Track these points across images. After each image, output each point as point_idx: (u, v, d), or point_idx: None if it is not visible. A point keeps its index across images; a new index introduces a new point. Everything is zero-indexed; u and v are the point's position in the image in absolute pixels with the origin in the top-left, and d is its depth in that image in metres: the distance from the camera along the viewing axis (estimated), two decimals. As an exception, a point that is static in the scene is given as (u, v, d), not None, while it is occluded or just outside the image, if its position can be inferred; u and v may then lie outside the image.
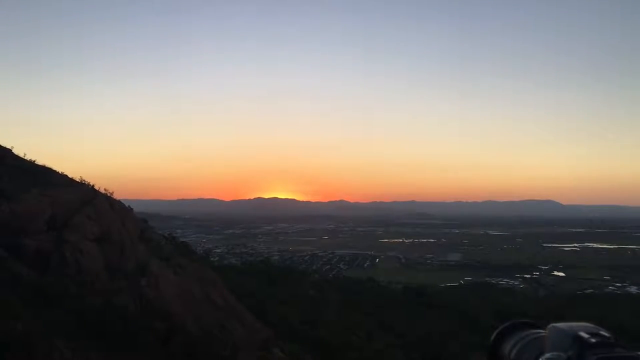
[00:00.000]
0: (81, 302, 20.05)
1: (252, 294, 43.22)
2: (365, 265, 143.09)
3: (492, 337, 0.97)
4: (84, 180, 25.26)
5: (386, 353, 29.07)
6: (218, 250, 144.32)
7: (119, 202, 29.52)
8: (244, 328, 31.97)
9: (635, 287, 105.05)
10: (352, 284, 74.89)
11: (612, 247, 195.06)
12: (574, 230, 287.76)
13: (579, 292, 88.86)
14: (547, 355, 0.75)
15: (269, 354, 22.34)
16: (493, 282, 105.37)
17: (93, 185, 26.07)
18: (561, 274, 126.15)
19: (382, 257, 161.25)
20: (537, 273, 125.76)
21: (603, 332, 0.76)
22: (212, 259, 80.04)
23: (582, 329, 0.78)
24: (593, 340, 0.73)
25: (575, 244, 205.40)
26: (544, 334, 0.86)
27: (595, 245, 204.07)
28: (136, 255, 25.90)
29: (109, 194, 27.27)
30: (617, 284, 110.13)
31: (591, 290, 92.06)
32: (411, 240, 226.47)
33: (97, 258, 21.68)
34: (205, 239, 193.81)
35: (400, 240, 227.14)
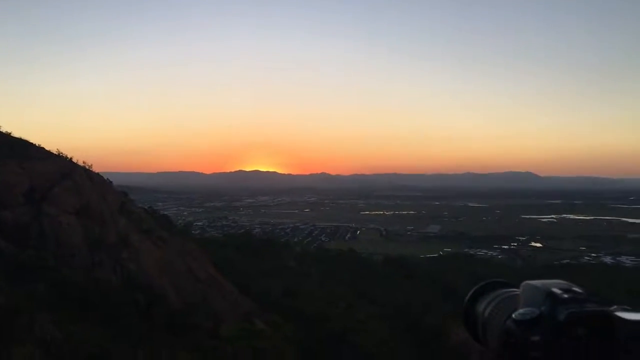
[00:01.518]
0: (62, 275, 19.97)
1: (234, 266, 43.40)
2: (347, 237, 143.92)
3: (467, 297, 0.97)
4: (62, 153, 24.89)
5: (367, 323, 29.53)
6: (199, 223, 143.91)
7: (98, 175, 29.23)
8: (226, 300, 32.20)
9: (610, 257, 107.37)
10: (333, 255, 75.44)
11: (588, 218, 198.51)
12: (551, 201, 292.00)
13: (555, 263, 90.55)
14: (520, 310, 0.77)
15: (251, 325, 22.59)
16: (472, 253, 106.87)
17: (71, 158, 25.73)
18: (538, 244, 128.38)
19: (363, 229, 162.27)
20: (515, 244, 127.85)
21: (575, 288, 0.79)
22: (193, 232, 79.95)
23: (555, 285, 0.80)
24: (565, 295, 0.76)
25: (553, 215, 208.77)
26: (517, 292, 0.87)
27: (571, 216, 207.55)
28: (116, 228, 25.80)
29: (87, 167, 26.97)
30: (593, 254, 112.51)
31: (567, 261, 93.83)
32: (392, 212, 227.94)
33: (77, 231, 21.56)
34: (186, 212, 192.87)
35: (381, 212, 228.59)
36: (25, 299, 13.54)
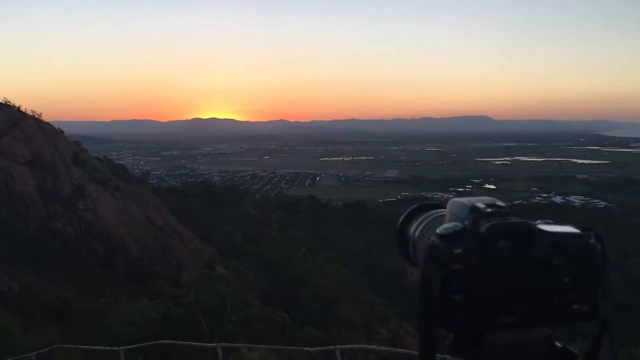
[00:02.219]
0: (16, 227, 19.59)
1: (194, 214, 43.30)
2: (306, 183, 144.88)
3: (399, 221, 0.98)
4: (9, 102, 23.95)
5: (326, 266, 30.16)
6: (157, 173, 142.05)
7: (48, 124, 28.38)
8: (187, 248, 32.31)
9: (560, 197, 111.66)
10: (293, 202, 76.01)
11: (540, 160, 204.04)
12: (505, 144, 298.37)
13: (507, 204, 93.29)
14: (445, 225, 0.78)
15: (212, 272, 22.79)
16: (428, 196, 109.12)
17: (19, 107, 24.85)
18: (492, 186, 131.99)
19: (323, 175, 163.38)
20: (470, 186, 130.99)
21: (500, 203, 0.81)
22: (150, 181, 78.93)
23: (480, 200, 0.82)
24: (489, 210, 0.78)
25: (506, 158, 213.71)
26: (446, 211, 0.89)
27: (524, 158, 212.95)
28: (71, 178, 25.30)
29: (37, 116, 26.13)
30: (544, 195, 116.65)
31: (519, 201, 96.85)
32: (350, 158, 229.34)
33: (29, 182, 21.08)
34: (142, 161, 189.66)
35: (340, 158, 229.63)
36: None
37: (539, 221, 0.80)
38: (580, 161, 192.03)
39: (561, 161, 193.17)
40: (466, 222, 0.77)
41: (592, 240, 0.77)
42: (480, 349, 0.76)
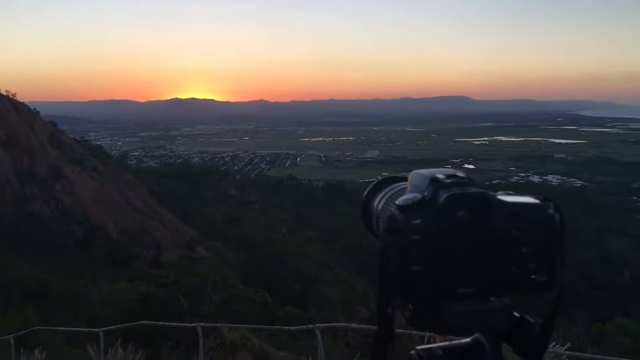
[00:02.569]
0: (-9, 210, 19.29)
1: (174, 196, 43.11)
2: (287, 164, 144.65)
3: (364, 194, 0.97)
4: (-19, 82, 23.44)
5: (307, 246, 30.34)
6: (135, 154, 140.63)
7: (23, 104, 27.90)
8: (167, 229, 32.17)
9: (537, 177, 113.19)
10: (273, 183, 75.94)
11: (518, 139, 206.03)
12: (484, 124, 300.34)
13: (486, 183, 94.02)
14: (404, 196, 0.77)
15: (193, 253, 22.80)
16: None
17: (-8, 87, 24.32)
18: (471, 166, 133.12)
19: (303, 156, 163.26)
20: (449, 166, 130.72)
21: (459, 174, 0.80)
22: (129, 162, 78.22)
23: (440, 172, 0.80)
24: (448, 180, 0.77)
25: (485, 138, 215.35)
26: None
27: (503, 138, 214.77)
28: (47, 159, 24.97)
29: (11, 96, 25.66)
30: (522, 174, 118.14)
31: (497, 181, 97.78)
32: (331, 138, 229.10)
33: (4, 163, 20.80)
34: (120, 142, 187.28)
35: (321, 139, 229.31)
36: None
37: (499, 192, 0.79)
38: (557, 141, 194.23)
39: (539, 141, 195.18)
40: (425, 193, 0.76)
41: (550, 211, 0.76)
42: (439, 319, 0.75)
